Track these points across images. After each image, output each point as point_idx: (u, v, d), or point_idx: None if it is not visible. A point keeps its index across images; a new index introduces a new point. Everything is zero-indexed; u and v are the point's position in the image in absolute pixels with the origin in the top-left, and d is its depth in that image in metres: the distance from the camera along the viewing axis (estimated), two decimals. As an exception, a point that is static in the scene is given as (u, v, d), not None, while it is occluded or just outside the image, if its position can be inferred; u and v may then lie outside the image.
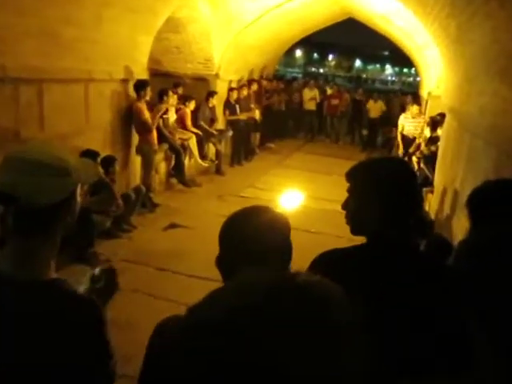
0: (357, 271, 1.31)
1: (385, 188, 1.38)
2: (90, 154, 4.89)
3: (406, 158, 8.49)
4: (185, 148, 8.07)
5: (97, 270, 1.42)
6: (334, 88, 15.37)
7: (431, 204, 6.65)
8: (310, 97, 14.16)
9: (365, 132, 13.82)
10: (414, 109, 9.38)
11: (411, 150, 8.92)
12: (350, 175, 1.47)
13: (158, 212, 6.83)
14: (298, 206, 6.28)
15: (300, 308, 0.59)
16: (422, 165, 7.40)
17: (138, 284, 4.51)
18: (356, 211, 1.44)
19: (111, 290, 1.43)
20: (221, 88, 9.63)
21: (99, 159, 5.24)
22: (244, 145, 10.63)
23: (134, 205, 6.10)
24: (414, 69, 30.05)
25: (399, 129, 9.53)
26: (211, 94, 9.04)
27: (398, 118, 9.96)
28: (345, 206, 1.47)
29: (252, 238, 1.21)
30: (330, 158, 11.74)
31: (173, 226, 6.36)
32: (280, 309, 0.59)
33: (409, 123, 9.34)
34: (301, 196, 6.70)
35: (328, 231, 6.14)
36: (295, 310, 0.59)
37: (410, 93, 13.51)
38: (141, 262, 5.16)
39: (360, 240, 1.45)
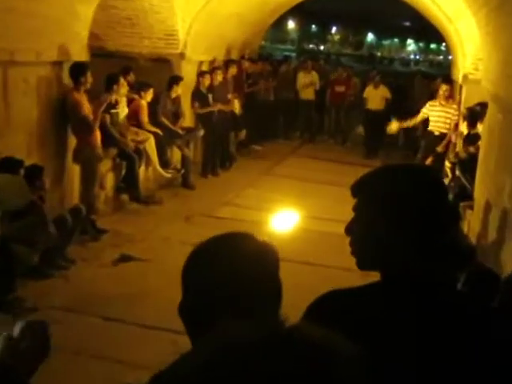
0: (373, 319, 1.31)
1: (403, 206, 1.37)
2: (9, 164, 4.85)
3: (429, 162, 8.56)
4: (140, 153, 8.05)
5: (17, 327, 1.38)
6: (339, 71, 15.50)
7: (471, 224, 6.70)
8: (306, 82, 14.26)
9: (360, 130, 13.49)
10: (442, 90, 9.17)
11: (439, 149, 8.98)
12: (357, 189, 1.46)
13: (104, 241, 6.79)
14: (293, 230, 6.28)
15: (298, 373, 0.59)
16: (457, 172, 7.47)
17: (78, 340, 4.44)
18: (363, 237, 1.43)
19: (40, 353, 1.40)
20: (188, 72, 9.66)
21: (22, 170, 5.20)
22: (220, 148, 10.65)
23: (70, 232, 6.04)
24: (444, 44, 30.57)
25: (419, 115, 9.49)
26: (175, 80, 9.06)
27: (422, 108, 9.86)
28: (349, 229, 1.45)
29: (227, 278, 1.21)
30: (335, 164, 11.84)
31: (124, 259, 6.31)
32: (273, 373, 0.59)
33: (436, 112, 9.23)
34: (296, 215, 6.71)
35: (333, 262, 6.14)
36: (292, 375, 0.59)
37: (441, 75, 13.36)
38: (81, 309, 5.10)
39: (377, 275, 1.44)
